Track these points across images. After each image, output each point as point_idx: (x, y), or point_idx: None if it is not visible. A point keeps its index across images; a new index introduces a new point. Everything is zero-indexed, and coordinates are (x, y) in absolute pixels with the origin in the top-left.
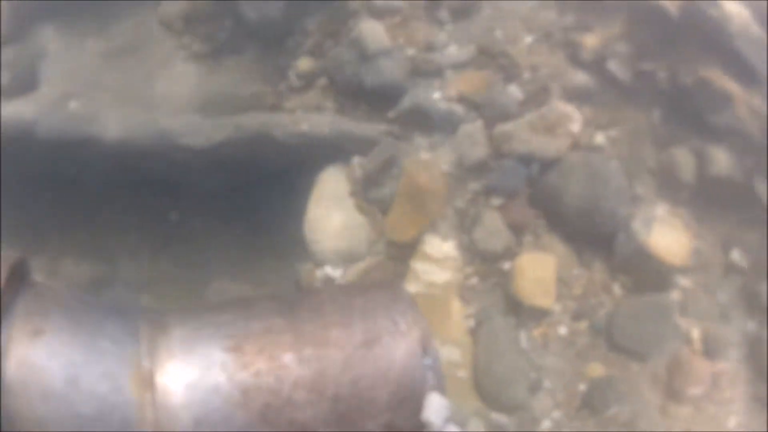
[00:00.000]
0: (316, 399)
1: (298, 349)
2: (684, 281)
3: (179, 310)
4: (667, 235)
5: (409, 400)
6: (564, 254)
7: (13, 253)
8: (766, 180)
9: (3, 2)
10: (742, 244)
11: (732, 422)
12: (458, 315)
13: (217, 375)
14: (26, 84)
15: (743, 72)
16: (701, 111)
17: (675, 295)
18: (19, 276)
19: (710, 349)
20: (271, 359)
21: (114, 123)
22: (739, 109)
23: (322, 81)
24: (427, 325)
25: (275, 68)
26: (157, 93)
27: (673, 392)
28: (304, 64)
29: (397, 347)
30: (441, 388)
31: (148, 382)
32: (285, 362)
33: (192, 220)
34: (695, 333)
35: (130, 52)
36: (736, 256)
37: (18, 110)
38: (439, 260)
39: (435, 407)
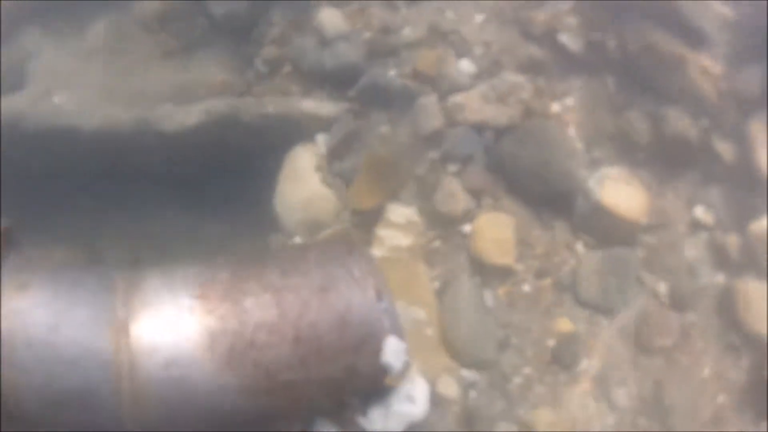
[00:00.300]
0: (277, 341)
1: (259, 295)
2: (649, 239)
3: (153, 266)
4: (624, 193)
5: (368, 343)
6: (524, 216)
7: (2, 220)
8: (724, 137)
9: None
10: (706, 201)
11: (706, 372)
12: (424, 277)
13: (185, 320)
14: (14, 82)
15: (691, 35)
16: (652, 75)
17: (640, 253)
18: (7, 238)
19: (678, 302)
20: (234, 304)
21: (94, 115)
22: (690, 70)
23: (287, 67)
24: (381, 274)
25: (243, 58)
26: (135, 87)
27: (642, 345)
28: (270, 52)
29: (352, 293)
30: (398, 332)
31: (123, 328)
32: (246, 306)
33: (172, 204)
34: (662, 288)
35: (110, 51)
36: (699, 212)
37: (7, 105)
38: (402, 226)
39: (393, 350)
